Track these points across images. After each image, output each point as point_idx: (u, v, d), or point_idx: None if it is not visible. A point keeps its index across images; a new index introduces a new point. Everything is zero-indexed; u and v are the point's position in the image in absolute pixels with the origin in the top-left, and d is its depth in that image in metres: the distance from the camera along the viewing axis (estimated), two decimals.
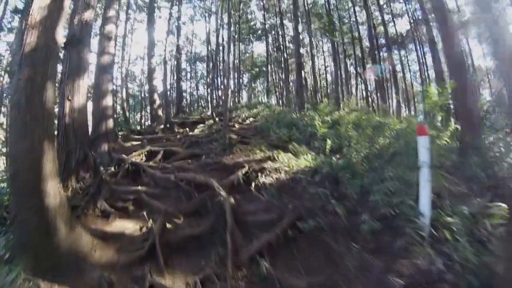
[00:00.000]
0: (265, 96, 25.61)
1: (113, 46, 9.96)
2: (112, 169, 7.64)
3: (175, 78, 25.92)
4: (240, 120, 13.16)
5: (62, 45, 6.20)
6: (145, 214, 4.75)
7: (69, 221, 3.63)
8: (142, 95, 31.89)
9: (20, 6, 14.14)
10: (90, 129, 10.38)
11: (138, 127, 31.14)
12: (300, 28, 22.00)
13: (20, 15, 13.67)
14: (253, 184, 5.26)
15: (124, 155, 8.17)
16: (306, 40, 27.33)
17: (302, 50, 23.66)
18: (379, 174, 4.59)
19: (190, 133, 11.89)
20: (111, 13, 10.36)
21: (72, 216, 3.80)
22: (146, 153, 8.85)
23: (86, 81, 6.15)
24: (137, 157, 8.67)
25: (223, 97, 26.15)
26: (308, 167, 5.40)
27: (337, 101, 18.86)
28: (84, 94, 5.99)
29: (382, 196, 3.99)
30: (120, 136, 11.92)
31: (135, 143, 11.21)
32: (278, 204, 4.32)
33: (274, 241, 3.65)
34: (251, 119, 12.83)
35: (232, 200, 4.62)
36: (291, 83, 26.16)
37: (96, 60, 10.04)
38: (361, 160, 5.09)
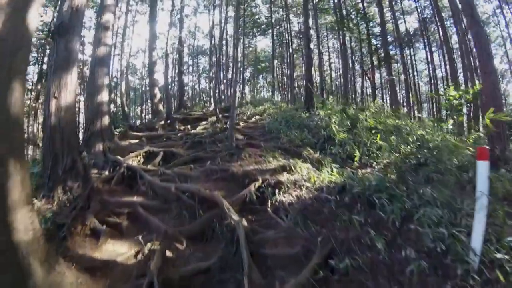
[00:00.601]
0: (270, 92, 24.59)
1: (110, 37, 9.09)
2: (106, 173, 6.84)
3: (176, 71, 25.03)
4: (245, 118, 12.34)
5: (47, 35, 5.34)
6: (141, 238, 3.93)
7: (47, 258, 2.82)
8: (143, 88, 30.99)
9: None
10: (83, 127, 9.60)
11: (139, 122, 30.32)
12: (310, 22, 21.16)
13: None
14: (269, 203, 4.46)
15: (120, 157, 7.37)
16: (314, 36, 26.43)
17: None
18: (418, 195, 3.82)
19: (192, 131, 11.06)
20: (109, 1, 9.45)
21: (51, 251, 2.98)
22: (144, 154, 8.04)
23: (75, 76, 5.30)
24: (135, 159, 7.87)
25: (226, 92, 25.35)
26: (333, 182, 4.60)
27: (346, 100, 18.08)
28: (73, 91, 5.15)
29: (426, 225, 3.25)
30: (118, 133, 11.10)
31: (133, 141, 10.39)
32: (303, 233, 3.51)
33: (303, 287, 2.85)
34: (257, 117, 12.00)
35: (245, 222, 3.82)
36: (296, 79, 25.23)
37: (91, 51, 9.16)
38: (397, 176, 4.29)
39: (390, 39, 23.22)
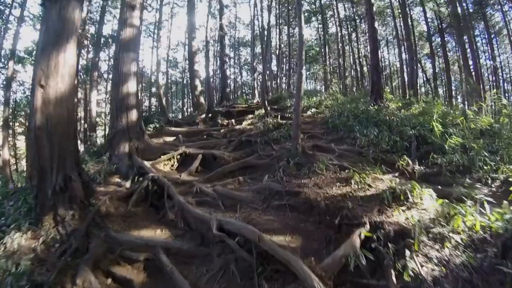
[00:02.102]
0: (324, 82, 21.84)
1: (138, 17, 7.29)
2: (128, 184, 5.05)
3: (218, 64, 23.27)
4: None
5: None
6: None
7: None
8: (184, 81, 29.81)
9: None
10: (108, 123, 7.97)
11: (180, 115, 29.27)
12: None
13: None
14: (392, 276, 2.26)
15: (147, 163, 5.55)
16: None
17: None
18: None
19: (237, 126, 9.07)
20: None
21: None
22: (178, 157, 6.17)
23: (72, 55, 3.43)
24: (167, 163, 6.03)
25: (270, 84, 23.23)
26: (489, 228, 2.32)
27: (403, 91, 15.06)
28: (67, 75, 3.28)
29: None
30: (152, 130, 9.44)
31: (168, 139, 8.65)
32: None
33: None
34: (313, 109, 9.69)
35: None
36: (346, 69, 22.28)
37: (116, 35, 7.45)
38: None
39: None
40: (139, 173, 5.49)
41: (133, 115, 6.59)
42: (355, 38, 22.88)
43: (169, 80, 28.06)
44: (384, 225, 2.62)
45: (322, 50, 18.48)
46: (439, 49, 20.93)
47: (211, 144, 6.99)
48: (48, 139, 3.21)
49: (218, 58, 24.26)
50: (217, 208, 3.78)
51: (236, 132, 8.24)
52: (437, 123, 5.86)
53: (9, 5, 14.27)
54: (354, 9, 21.66)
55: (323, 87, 20.06)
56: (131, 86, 6.60)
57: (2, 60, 15.14)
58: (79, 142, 7.53)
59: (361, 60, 22.57)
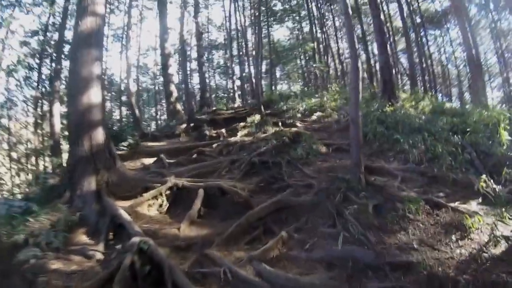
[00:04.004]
0: (300, 83, 20.40)
1: (102, 3, 5.30)
2: (98, 252, 3.12)
3: (189, 67, 21.11)
4: (299, 115, 8.41)
5: None
6: None
7: None
8: (156, 88, 27.27)
9: None
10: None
11: (154, 124, 26.65)
12: None
13: None
14: None
15: (123, 212, 3.63)
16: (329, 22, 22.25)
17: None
18: None
19: (232, 139, 7.25)
20: None
21: None
22: (168, 192, 4.27)
23: None
24: (151, 205, 4.13)
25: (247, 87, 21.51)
26: None
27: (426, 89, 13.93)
28: None
29: None
30: (125, 149, 7.36)
31: (147, 160, 6.66)
32: None
33: None
34: (318, 113, 8.08)
35: None
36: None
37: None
38: None
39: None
40: (114, 225, 3.58)
41: (99, 134, 4.60)
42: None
43: (140, 87, 25.49)
44: None
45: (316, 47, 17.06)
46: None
47: (208, 168, 5.14)
48: None
49: (192, 60, 22.28)
50: None
51: (233, 147, 6.44)
52: (500, 128, 4.51)
53: None
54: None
55: (306, 87, 18.64)
56: (94, 95, 4.61)
57: None
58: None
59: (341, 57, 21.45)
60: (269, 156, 4.72)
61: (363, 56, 18.73)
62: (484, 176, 3.62)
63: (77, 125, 4.51)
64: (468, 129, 5.08)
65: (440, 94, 20.25)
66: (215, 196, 3.93)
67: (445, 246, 2.28)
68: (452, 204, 2.92)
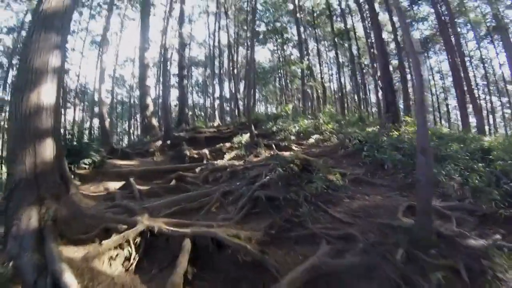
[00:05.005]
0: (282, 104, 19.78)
1: None
2: None
3: (167, 80, 19.82)
4: (293, 138, 7.42)
5: None
6: None
7: None
8: (132, 101, 25.56)
9: None
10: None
11: (126, 139, 24.66)
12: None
13: None
14: None
15: (70, 261, 2.33)
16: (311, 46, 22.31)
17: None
18: None
19: (220, 162, 6.08)
20: None
21: None
22: (138, 239, 2.99)
23: None
24: (113, 258, 2.80)
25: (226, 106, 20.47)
26: None
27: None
28: None
29: None
30: (87, 168, 5.90)
31: (112, 185, 5.28)
32: None
33: None
34: (316, 136, 7.12)
35: None
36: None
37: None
38: None
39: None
40: None
41: (48, 148, 3.29)
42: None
43: (115, 100, 23.69)
44: None
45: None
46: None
47: (193, 204, 3.88)
48: None
49: (170, 74, 21.05)
50: None
51: (222, 173, 5.24)
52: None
53: None
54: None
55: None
56: (46, 93, 3.32)
57: None
58: None
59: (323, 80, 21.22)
60: (276, 190, 3.57)
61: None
62: None
63: (18, 134, 3.17)
64: (491, 156, 4.37)
65: None
66: (207, 251, 2.70)
67: None
68: None
